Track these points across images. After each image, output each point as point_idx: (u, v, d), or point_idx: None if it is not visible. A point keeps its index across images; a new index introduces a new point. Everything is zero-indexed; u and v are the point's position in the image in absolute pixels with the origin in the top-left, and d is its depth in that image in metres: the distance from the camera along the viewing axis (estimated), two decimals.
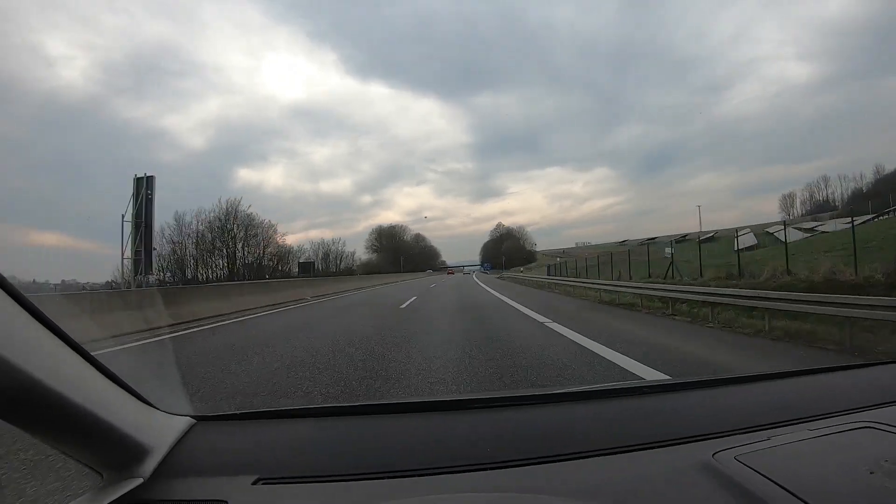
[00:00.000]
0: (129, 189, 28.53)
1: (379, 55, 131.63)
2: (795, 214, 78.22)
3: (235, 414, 1.05)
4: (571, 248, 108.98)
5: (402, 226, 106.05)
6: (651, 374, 3.82)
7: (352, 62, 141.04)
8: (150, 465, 0.79)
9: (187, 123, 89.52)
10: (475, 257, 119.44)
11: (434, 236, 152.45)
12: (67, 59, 72.23)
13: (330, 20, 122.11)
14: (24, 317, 0.60)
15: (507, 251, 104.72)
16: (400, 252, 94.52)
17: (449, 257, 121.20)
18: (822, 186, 79.64)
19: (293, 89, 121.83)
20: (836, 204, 73.44)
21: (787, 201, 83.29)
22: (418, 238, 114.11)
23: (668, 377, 3.60)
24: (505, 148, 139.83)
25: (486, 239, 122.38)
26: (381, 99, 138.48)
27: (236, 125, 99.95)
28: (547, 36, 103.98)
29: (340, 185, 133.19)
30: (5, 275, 0.57)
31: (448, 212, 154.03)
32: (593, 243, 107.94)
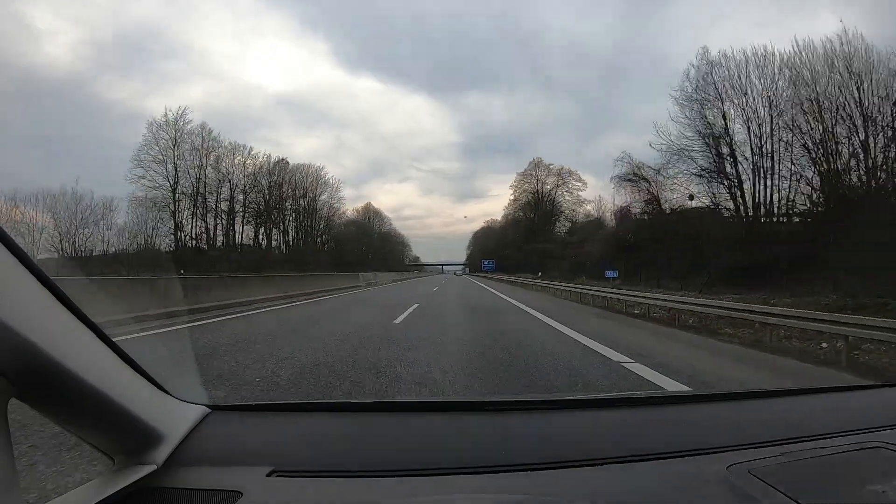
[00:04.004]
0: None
1: (370, 49, 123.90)
2: None
3: (250, 405, 1.10)
4: None
5: (329, 178, 55.62)
6: (671, 385, 3.64)
7: (342, 54, 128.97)
8: (163, 452, 0.78)
9: (172, 107, 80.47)
10: (454, 257, 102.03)
11: (414, 234, 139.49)
12: (53, 34, 64.41)
13: (323, 9, 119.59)
14: (47, 297, 0.60)
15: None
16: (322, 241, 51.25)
17: (429, 256, 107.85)
18: None
19: (280, 78, 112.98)
20: None
21: None
22: (367, 213, 76.95)
23: (687, 388, 3.51)
24: (490, 150, 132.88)
25: (473, 235, 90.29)
26: (369, 93, 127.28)
27: (221, 111, 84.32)
28: (540, 40, 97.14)
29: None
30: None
31: (431, 211, 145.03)
32: None
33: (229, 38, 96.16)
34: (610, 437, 0.94)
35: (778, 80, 23.49)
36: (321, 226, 56.22)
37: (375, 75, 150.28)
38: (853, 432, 0.93)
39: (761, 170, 23.64)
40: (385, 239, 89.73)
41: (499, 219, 78.36)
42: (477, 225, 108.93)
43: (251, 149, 47.26)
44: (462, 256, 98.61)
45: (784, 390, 1.26)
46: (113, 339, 0.71)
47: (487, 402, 1.18)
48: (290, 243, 50.16)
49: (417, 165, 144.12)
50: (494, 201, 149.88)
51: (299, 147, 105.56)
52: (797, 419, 1.05)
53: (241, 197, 44.62)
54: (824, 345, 6.21)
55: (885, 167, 18.86)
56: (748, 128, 24.27)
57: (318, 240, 55.02)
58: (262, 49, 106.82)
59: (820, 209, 20.55)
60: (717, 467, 0.79)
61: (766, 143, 23.62)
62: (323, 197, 55.90)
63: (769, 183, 23.50)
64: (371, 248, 75.41)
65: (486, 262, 67.28)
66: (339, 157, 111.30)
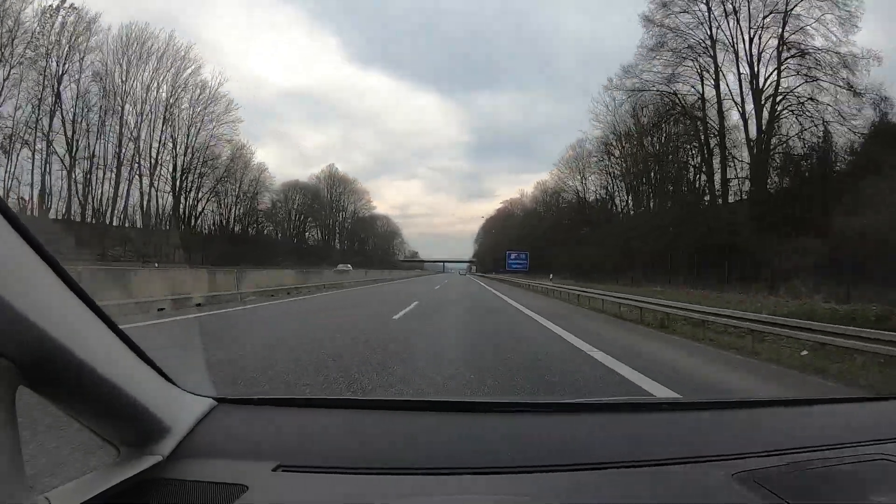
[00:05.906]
0: None
1: (381, 45, 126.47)
2: None
3: (257, 398, 1.07)
4: None
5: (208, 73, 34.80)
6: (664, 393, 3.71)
7: (353, 49, 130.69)
8: (169, 443, 0.78)
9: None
10: (459, 254, 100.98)
11: (419, 232, 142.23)
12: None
13: (334, 4, 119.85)
14: (59, 285, 0.60)
15: None
16: None
17: (432, 252, 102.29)
18: None
19: (291, 71, 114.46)
20: None
21: None
22: (331, 180, 57.83)
23: (680, 396, 3.43)
24: (499, 150, 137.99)
25: (482, 226, 77.93)
26: (378, 89, 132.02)
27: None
28: (551, 40, 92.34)
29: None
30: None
31: (436, 209, 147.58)
32: None
33: (241, 31, 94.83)
34: (615, 441, 0.94)
35: None
36: (204, 174, 32.31)
37: (386, 72, 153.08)
38: (859, 444, 0.93)
39: None
40: (365, 224, 65.90)
41: (530, 190, 55.35)
42: (480, 224, 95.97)
43: None
44: (467, 254, 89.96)
45: (789, 400, 1.30)
46: (121, 328, 0.71)
47: (495, 402, 1.19)
48: (82, 200, 24.88)
49: (425, 163, 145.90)
50: (502, 201, 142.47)
51: (308, 141, 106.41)
52: (802, 429, 1.05)
53: None
54: None
55: None
56: None
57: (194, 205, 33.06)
58: (274, 42, 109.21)
59: None
60: (721, 475, 0.79)
61: None
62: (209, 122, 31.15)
63: None
64: (337, 231, 52.99)
65: (513, 256, 40.45)
66: (348, 152, 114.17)
